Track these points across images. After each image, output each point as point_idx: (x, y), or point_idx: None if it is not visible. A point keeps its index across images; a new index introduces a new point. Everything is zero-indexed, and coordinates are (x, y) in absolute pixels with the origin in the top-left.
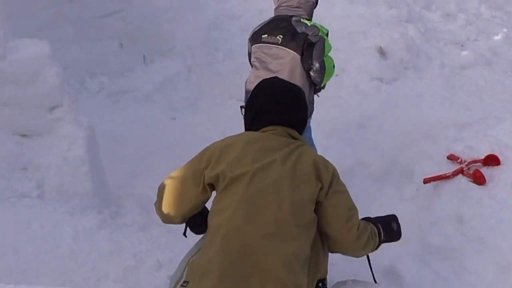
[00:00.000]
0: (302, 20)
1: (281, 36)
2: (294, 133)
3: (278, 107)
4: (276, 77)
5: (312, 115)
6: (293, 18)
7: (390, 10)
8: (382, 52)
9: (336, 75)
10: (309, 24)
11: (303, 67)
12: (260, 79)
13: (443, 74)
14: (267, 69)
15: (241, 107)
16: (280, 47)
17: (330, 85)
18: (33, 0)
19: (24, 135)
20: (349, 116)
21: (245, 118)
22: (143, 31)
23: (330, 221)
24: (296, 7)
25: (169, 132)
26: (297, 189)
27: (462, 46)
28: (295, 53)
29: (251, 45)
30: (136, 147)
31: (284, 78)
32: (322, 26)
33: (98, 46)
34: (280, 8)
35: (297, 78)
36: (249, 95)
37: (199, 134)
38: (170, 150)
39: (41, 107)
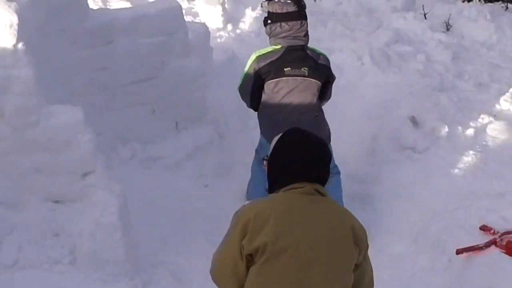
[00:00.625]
0: (311, 48)
1: (306, 69)
2: (321, 189)
3: (306, 163)
4: (302, 129)
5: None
6: (306, 48)
7: (422, 79)
8: (414, 121)
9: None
10: (317, 52)
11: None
12: (283, 114)
13: (476, 143)
14: (290, 98)
15: (264, 158)
16: (307, 78)
17: (362, 152)
18: (66, 67)
19: (56, 201)
20: (381, 185)
21: (269, 173)
22: (176, 98)
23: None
24: (303, 37)
25: (201, 199)
26: (340, 258)
27: (494, 116)
28: (317, 81)
29: (270, 79)
30: (168, 214)
31: (308, 104)
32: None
33: (130, 112)
34: (288, 38)
35: (316, 101)
36: (272, 147)
37: (231, 201)
38: (202, 217)
39: (74, 173)
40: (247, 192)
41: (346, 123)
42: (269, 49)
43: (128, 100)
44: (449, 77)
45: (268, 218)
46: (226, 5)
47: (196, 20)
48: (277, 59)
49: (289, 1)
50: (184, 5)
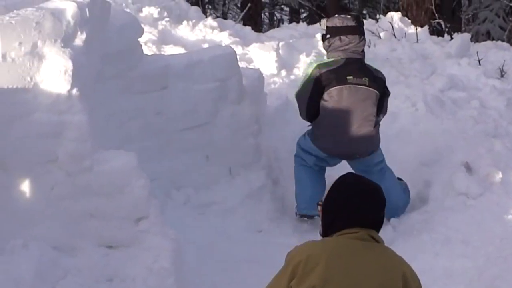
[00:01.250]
0: (367, 64)
1: (366, 79)
2: (376, 235)
3: (361, 208)
4: (357, 175)
5: None
6: (363, 62)
7: (476, 125)
8: (468, 167)
9: None
10: (373, 67)
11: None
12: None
13: None
14: (352, 106)
15: (318, 203)
16: (368, 88)
17: (415, 198)
18: (120, 112)
19: (110, 246)
20: (434, 231)
21: (323, 218)
22: (229, 143)
23: None
24: (361, 52)
25: (255, 245)
26: None
27: None
28: (377, 92)
29: (333, 87)
30: (222, 259)
31: (369, 113)
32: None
33: (184, 158)
34: (348, 51)
35: (375, 111)
36: (327, 192)
37: (285, 247)
38: (255, 263)
39: (128, 219)
40: (296, 207)
41: (399, 169)
42: (329, 59)
43: (182, 145)
44: (503, 123)
45: (318, 262)
46: (280, 51)
47: (250, 66)
48: (338, 67)
49: (348, 16)
50: (238, 51)
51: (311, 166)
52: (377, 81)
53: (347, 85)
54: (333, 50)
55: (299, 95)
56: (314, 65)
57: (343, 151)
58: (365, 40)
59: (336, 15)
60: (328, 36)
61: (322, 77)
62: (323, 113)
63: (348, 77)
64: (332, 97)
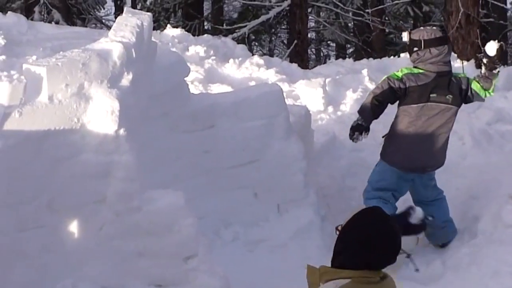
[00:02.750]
0: (457, 75)
1: (450, 96)
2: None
3: (387, 252)
4: (384, 212)
5: None
6: (452, 74)
7: None
8: None
9: None
10: (459, 76)
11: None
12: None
13: None
14: (427, 128)
15: (337, 228)
16: (449, 106)
17: (463, 233)
18: (168, 151)
19: (159, 286)
20: (483, 264)
21: (340, 244)
22: (277, 181)
23: None
24: (449, 61)
25: (304, 282)
26: None
27: None
28: (458, 107)
29: (414, 103)
30: None
31: (445, 132)
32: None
33: (232, 195)
34: (439, 64)
35: (449, 129)
36: (349, 220)
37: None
38: None
39: (177, 257)
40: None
41: (448, 203)
42: (420, 70)
43: (230, 183)
44: None
45: None
46: (327, 87)
47: (297, 103)
48: (426, 83)
49: (435, 27)
50: (285, 88)
51: (390, 201)
52: (461, 94)
53: (429, 103)
54: (422, 63)
55: (377, 87)
56: (405, 71)
57: (418, 164)
58: (451, 50)
59: (422, 27)
60: (415, 49)
61: (407, 84)
62: (401, 126)
63: (431, 95)
64: (413, 113)
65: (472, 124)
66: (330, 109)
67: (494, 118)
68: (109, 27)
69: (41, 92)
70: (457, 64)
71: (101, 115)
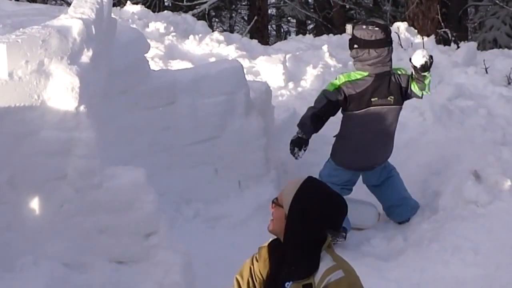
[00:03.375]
0: (396, 72)
1: (392, 97)
2: None
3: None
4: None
5: None
6: (391, 73)
7: (484, 134)
8: (477, 176)
9: None
10: (398, 73)
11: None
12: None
13: None
14: (372, 131)
15: (273, 201)
16: (392, 107)
17: (425, 209)
18: (128, 128)
19: (120, 262)
20: (444, 240)
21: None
22: (238, 157)
23: None
24: (388, 61)
25: None
26: None
27: None
28: (401, 106)
29: (357, 109)
30: (232, 272)
31: (390, 132)
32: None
33: (193, 172)
34: (377, 66)
35: (394, 127)
36: (295, 195)
37: None
38: None
39: (137, 234)
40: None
41: (408, 179)
42: (357, 75)
43: (190, 160)
44: (511, 131)
45: None
46: (287, 64)
47: (258, 79)
48: (365, 89)
49: (376, 28)
50: (245, 64)
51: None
52: (402, 91)
53: (371, 107)
54: (361, 62)
55: (323, 95)
56: (343, 80)
57: (366, 164)
58: (392, 49)
59: (364, 26)
60: (356, 46)
61: (347, 94)
62: (345, 132)
63: (373, 99)
64: (354, 119)
65: (432, 99)
66: (291, 85)
67: (455, 93)
68: (69, 4)
69: (0, 69)
70: (417, 40)
71: (61, 91)
